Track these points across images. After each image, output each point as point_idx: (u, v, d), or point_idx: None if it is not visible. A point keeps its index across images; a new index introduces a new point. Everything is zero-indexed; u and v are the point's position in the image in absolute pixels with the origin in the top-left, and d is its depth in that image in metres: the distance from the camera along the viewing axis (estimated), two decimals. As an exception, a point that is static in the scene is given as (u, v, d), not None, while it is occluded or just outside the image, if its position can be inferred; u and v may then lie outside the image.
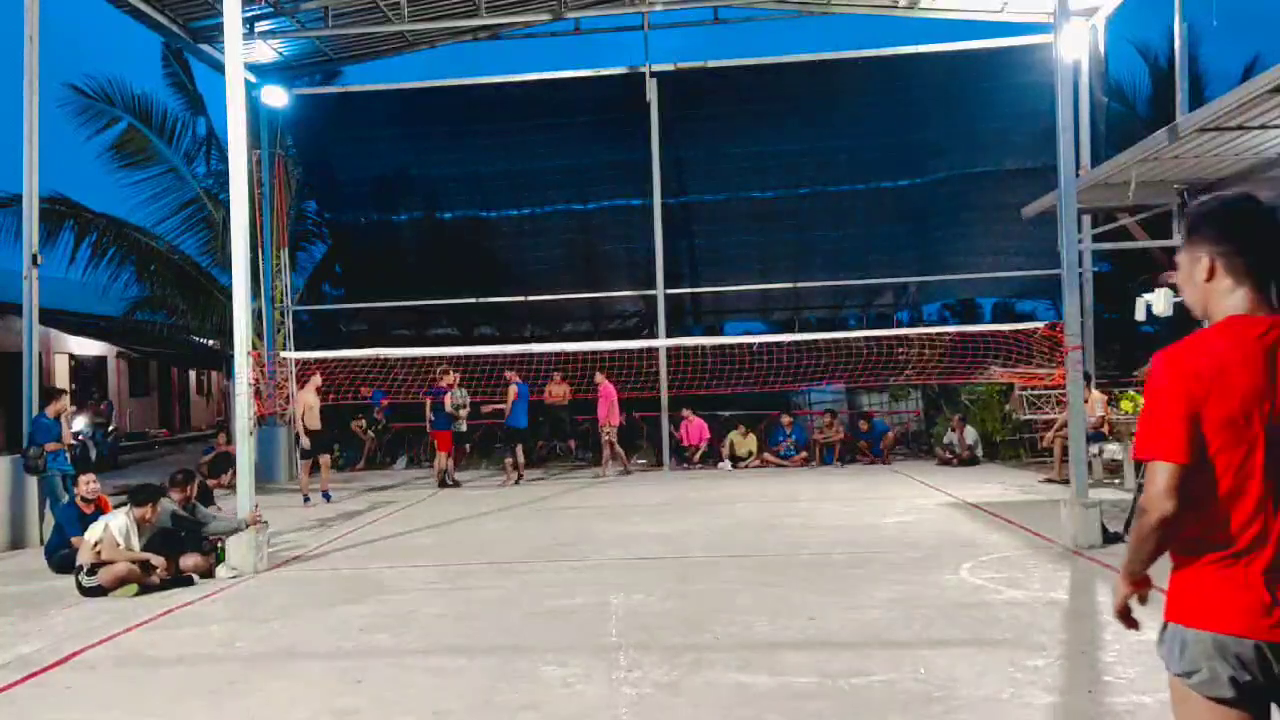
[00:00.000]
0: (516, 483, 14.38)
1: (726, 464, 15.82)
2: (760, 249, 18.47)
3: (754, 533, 9.37)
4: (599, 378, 14.94)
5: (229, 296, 11.22)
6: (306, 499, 12.54)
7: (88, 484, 8.60)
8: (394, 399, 16.49)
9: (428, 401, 14.53)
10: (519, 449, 14.78)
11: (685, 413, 16.24)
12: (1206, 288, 2.17)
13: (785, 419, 16.13)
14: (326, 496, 12.69)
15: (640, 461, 17.01)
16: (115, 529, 7.46)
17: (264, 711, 4.66)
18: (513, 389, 14.53)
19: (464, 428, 14.89)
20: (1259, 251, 2.13)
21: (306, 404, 12.64)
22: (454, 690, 4.84)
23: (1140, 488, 8.96)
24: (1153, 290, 10.01)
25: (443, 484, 14.18)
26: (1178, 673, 2.15)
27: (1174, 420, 2.06)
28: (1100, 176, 10.83)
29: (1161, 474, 2.08)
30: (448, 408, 14.22)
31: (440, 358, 14.55)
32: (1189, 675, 2.12)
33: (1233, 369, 2.04)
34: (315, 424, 12.65)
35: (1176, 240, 11.08)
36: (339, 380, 13.94)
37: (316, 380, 12.84)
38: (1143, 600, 2.28)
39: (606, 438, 15.10)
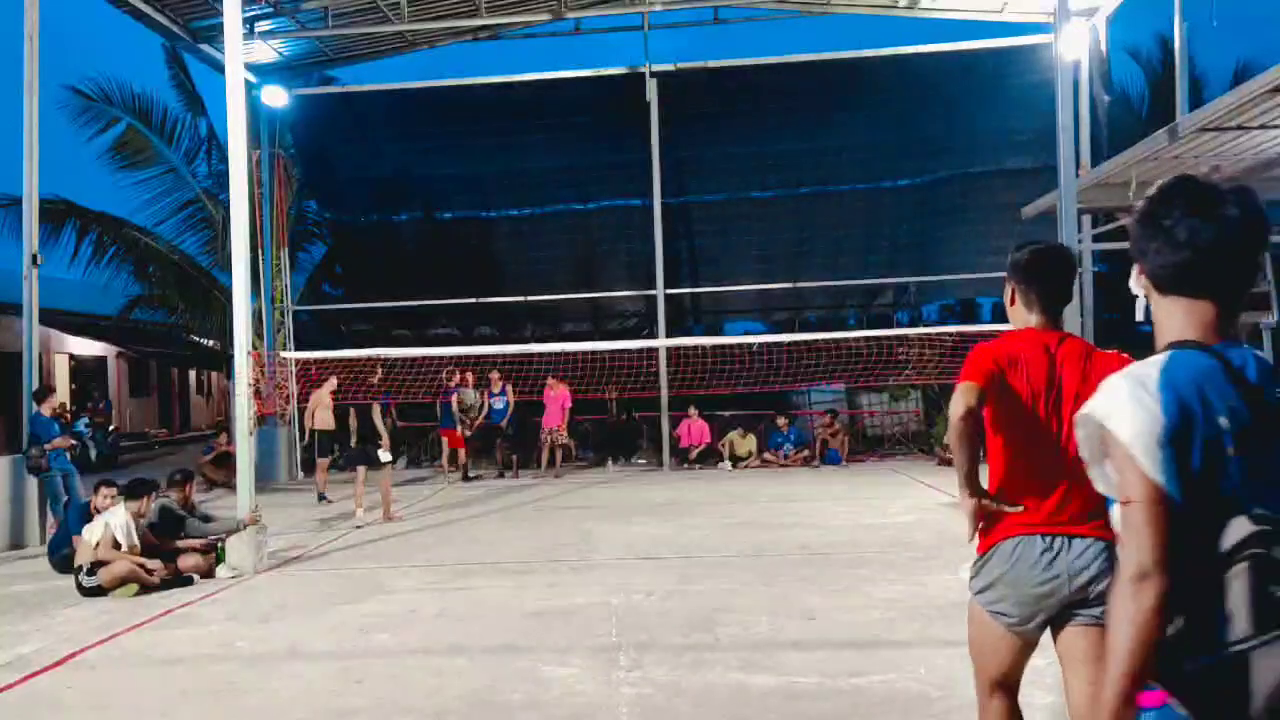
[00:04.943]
0: (500, 476, 15.31)
1: (726, 464, 15.81)
2: (760, 249, 18.44)
3: (754, 533, 9.36)
4: (551, 381, 15.12)
5: (229, 296, 11.24)
6: (322, 496, 12.64)
7: (108, 497, 8.03)
8: (394, 399, 16.47)
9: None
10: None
11: (692, 411, 16.24)
12: (1011, 310, 2.91)
13: (781, 420, 16.11)
14: (322, 498, 12.70)
15: (640, 461, 17.03)
16: (116, 527, 7.43)
17: (264, 711, 4.66)
18: (508, 390, 14.79)
19: (469, 429, 15.13)
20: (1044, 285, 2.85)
21: (320, 402, 12.75)
22: (454, 690, 4.83)
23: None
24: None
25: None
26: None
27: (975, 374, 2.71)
28: (1100, 176, 10.83)
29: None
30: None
31: (439, 357, 14.61)
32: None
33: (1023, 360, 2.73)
34: (329, 424, 12.80)
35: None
36: (338, 380, 13.93)
37: (332, 383, 12.97)
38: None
39: (551, 439, 15.26)
